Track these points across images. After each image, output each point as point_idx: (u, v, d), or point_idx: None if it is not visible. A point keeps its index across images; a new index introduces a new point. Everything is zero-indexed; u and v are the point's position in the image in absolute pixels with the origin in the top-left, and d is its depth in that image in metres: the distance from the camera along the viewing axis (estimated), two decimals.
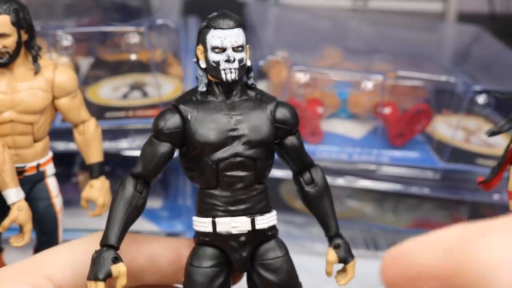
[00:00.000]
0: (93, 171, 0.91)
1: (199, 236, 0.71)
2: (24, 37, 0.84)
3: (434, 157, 1.27)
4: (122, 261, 0.67)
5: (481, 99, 1.29)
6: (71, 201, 1.08)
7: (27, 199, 0.87)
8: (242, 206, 0.70)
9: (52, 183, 0.91)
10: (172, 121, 0.70)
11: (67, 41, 1.27)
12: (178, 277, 0.73)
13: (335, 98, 1.36)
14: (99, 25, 1.43)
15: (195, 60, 0.71)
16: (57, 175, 0.93)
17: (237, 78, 0.70)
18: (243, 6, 1.79)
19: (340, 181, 1.27)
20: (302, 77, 1.30)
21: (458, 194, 1.27)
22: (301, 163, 0.74)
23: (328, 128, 1.32)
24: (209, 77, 0.71)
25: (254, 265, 0.72)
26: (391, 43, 1.65)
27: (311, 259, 0.95)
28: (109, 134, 1.21)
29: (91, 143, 0.90)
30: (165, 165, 0.71)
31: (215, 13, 0.71)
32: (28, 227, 0.86)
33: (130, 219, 0.69)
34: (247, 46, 0.71)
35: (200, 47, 0.70)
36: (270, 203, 0.72)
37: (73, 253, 0.70)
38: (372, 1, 2.17)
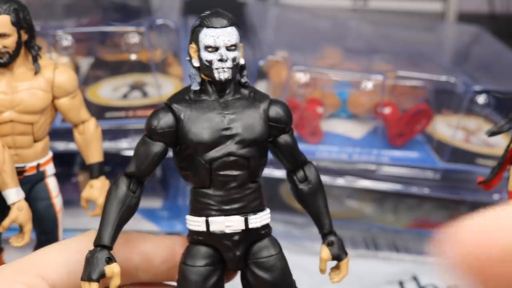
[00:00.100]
0: (93, 171, 0.91)
1: (192, 235, 0.71)
2: (24, 37, 0.84)
3: (434, 157, 1.27)
4: (115, 261, 0.67)
5: (481, 99, 1.29)
6: (71, 201, 1.08)
7: (27, 199, 0.87)
8: (235, 205, 0.70)
9: (52, 183, 0.91)
10: (165, 120, 0.70)
11: (67, 41, 1.27)
12: (172, 274, 0.73)
13: (335, 98, 1.36)
14: (99, 25, 1.43)
15: (188, 58, 0.71)
16: (57, 175, 0.93)
17: (230, 77, 0.69)
18: (243, 6, 1.79)
19: (340, 181, 1.27)
20: (302, 77, 1.30)
21: (458, 194, 1.27)
22: (294, 161, 0.74)
23: (328, 128, 1.32)
24: (202, 75, 0.70)
25: (248, 263, 0.72)
26: (391, 43, 1.65)
27: (311, 259, 0.95)
28: (109, 134, 1.21)
29: (91, 143, 0.90)
30: (159, 164, 0.71)
31: (208, 12, 0.70)
32: (28, 227, 0.86)
33: (124, 218, 0.69)
34: (241, 44, 0.71)
35: (193, 45, 0.70)
36: (263, 202, 0.72)
37: (67, 252, 0.70)
38: (372, 1, 2.17)
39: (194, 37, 0.70)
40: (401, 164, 1.27)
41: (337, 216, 1.29)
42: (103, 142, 0.93)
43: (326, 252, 0.75)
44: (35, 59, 0.85)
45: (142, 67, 1.34)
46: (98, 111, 1.21)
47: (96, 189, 0.91)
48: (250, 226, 0.70)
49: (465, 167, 1.25)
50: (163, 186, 1.34)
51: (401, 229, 1.32)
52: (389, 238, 1.30)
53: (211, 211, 0.70)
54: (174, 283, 0.74)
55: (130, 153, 1.23)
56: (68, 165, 1.29)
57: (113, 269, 0.66)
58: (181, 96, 0.71)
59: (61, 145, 1.19)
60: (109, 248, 0.67)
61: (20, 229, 0.87)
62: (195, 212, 0.71)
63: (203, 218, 0.70)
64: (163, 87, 1.29)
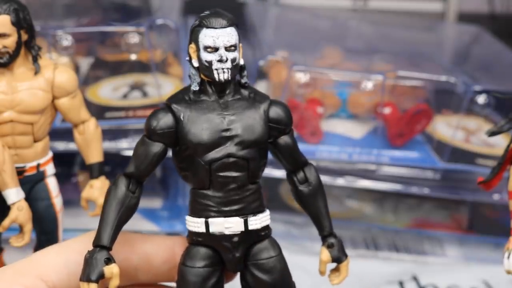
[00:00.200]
0: (93, 171, 0.91)
1: (192, 236, 0.71)
2: (24, 37, 0.84)
3: (434, 157, 1.27)
4: (114, 262, 0.67)
5: (481, 99, 1.29)
6: (71, 201, 1.08)
7: (27, 199, 0.87)
8: (235, 207, 0.70)
9: (52, 183, 0.91)
10: (165, 120, 0.69)
11: (67, 41, 1.27)
12: (172, 275, 0.73)
13: (335, 98, 1.36)
14: (99, 25, 1.43)
15: (187, 58, 0.71)
16: (57, 175, 0.93)
17: (229, 78, 0.69)
18: (243, 6, 1.79)
19: (340, 181, 1.27)
20: (302, 77, 1.30)
21: (458, 194, 1.27)
22: (294, 162, 0.74)
23: (328, 128, 1.32)
24: (202, 76, 0.70)
25: (247, 265, 0.72)
26: (391, 43, 1.65)
27: (310, 259, 0.95)
28: (109, 134, 1.21)
29: (91, 143, 0.90)
30: (158, 165, 0.71)
31: (207, 12, 0.70)
32: (28, 227, 0.86)
33: (123, 219, 0.69)
34: (240, 44, 0.71)
35: (193, 45, 0.70)
36: (263, 203, 0.72)
37: (67, 253, 0.70)
38: (372, 1, 2.17)
39: (193, 37, 0.70)
40: (401, 164, 1.27)
41: (337, 216, 1.29)
42: (103, 142, 0.93)
43: (326, 254, 0.74)
44: (35, 59, 0.85)
45: (142, 67, 1.33)
46: (98, 111, 1.21)
47: (96, 189, 0.91)
48: (250, 227, 0.70)
49: (465, 167, 1.25)
50: (163, 186, 1.34)
51: (401, 229, 1.32)
52: (389, 238, 1.30)
53: (210, 212, 0.70)
54: (174, 284, 0.73)
55: (130, 153, 1.22)
56: (68, 165, 1.29)
57: (112, 270, 0.66)
58: (180, 96, 0.71)
59: (61, 145, 1.19)
60: (108, 248, 0.67)
61: (20, 229, 0.87)
62: (195, 213, 0.71)
63: (203, 219, 0.70)
64: (163, 87, 1.29)
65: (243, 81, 0.72)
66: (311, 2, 2.10)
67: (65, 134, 1.06)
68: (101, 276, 0.66)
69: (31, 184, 0.89)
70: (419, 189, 1.27)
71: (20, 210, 0.85)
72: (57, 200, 0.92)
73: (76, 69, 1.36)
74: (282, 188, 1.35)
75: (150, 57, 1.28)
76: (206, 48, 0.69)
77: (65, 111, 0.88)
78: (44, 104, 0.86)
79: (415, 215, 1.35)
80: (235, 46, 0.69)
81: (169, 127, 0.69)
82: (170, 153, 0.72)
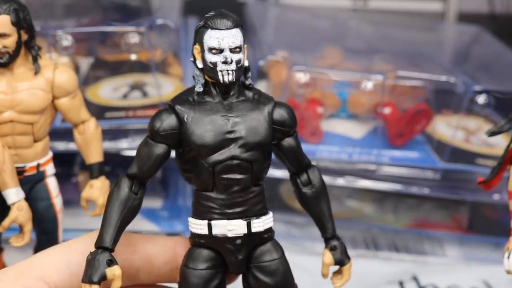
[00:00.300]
0: (93, 171, 0.91)
1: (194, 237, 0.71)
2: (24, 37, 0.84)
3: (434, 157, 1.27)
4: (117, 263, 0.67)
5: (481, 99, 1.29)
6: (71, 201, 1.08)
7: (27, 199, 0.87)
8: (238, 209, 0.70)
9: (52, 183, 0.91)
10: (168, 122, 0.69)
11: (67, 41, 1.27)
12: (174, 276, 0.73)
13: (335, 98, 1.36)
14: (99, 25, 1.43)
15: (192, 59, 0.71)
16: (57, 175, 0.93)
17: (234, 80, 0.69)
18: (243, 6, 1.79)
19: (340, 181, 1.27)
20: (302, 77, 1.30)
21: (458, 194, 1.27)
22: (298, 164, 0.74)
23: (328, 128, 1.32)
24: (206, 77, 0.70)
25: (250, 267, 0.72)
26: (391, 43, 1.65)
27: (311, 259, 0.95)
28: (109, 134, 1.21)
29: (91, 143, 0.90)
30: (161, 166, 0.71)
31: (212, 13, 0.69)
32: (28, 227, 0.86)
33: (125, 220, 0.69)
34: (245, 46, 0.70)
35: (197, 46, 0.69)
36: (266, 205, 0.72)
37: (68, 254, 0.70)
38: (372, 1, 2.17)
39: (198, 38, 0.69)
40: (401, 164, 1.27)
41: (337, 216, 1.28)
42: (103, 142, 0.93)
43: (328, 256, 0.74)
44: (35, 59, 0.85)
45: (142, 67, 1.33)
46: (98, 111, 1.21)
47: (96, 189, 0.91)
48: (253, 230, 0.70)
49: (465, 167, 1.25)
50: (163, 186, 1.34)
51: (401, 229, 1.32)
52: (389, 238, 1.30)
53: (213, 215, 0.69)
54: (175, 285, 0.73)
55: (130, 153, 1.23)
56: (68, 165, 1.29)
57: (114, 272, 0.66)
58: (184, 97, 0.70)
59: (61, 145, 1.19)
60: (111, 250, 0.67)
61: (20, 229, 0.87)
62: (198, 215, 0.71)
63: (205, 221, 0.70)
64: (163, 87, 1.29)
65: (247, 82, 0.71)
66: (311, 2, 2.10)
67: (65, 134, 1.06)
68: (103, 277, 0.66)
69: (31, 184, 0.89)
70: (419, 189, 1.27)
71: (20, 210, 0.85)
72: (57, 200, 0.92)
73: (76, 69, 1.36)
74: (282, 188, 1.35)
75: (150, 57, 1.27)
76: (210, 49, 0.68)
77: (65, 111, 0.88)
78: (44, 104, 0.86)
79: (415, 215, 1.35)
80: (240, 47, 0.69)
81: (173, 129, 0.69)
82: (173, 154, 0.72)
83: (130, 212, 0.69)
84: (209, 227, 0.70)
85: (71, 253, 0.70)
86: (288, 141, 0.72)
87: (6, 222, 0.85)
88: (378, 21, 1.84)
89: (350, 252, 0.77)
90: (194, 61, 0.70)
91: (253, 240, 0.71)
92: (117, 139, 1.23)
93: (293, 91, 1.30)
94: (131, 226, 0.70)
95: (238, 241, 0.70)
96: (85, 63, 1.41)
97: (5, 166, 0.83)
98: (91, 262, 0.66)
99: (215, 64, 0.68)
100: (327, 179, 1.26)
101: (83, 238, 0.72)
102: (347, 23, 1.82)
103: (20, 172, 0.87)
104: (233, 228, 0.69)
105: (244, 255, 0.71)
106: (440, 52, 1.70)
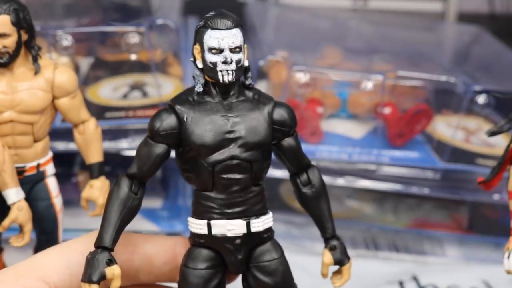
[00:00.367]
0: (93, 171, 0.91)
1: (194, 237, 0.71)
2: (24, 37, 0.84)
3: (434, 157, 1.27)
4: (116, 263, 0.67)
5: (481, 99, 1.29)
6: (71, 201, 1.08)
7: (27, 199, 0.87)
8: (237, 209, 0.70)
9: (52, 183, 0.91)
10: (168, 122, 0.69)
11: (67, 41, 1.27)
12: (174, 276, 0.73)
13: (335, 98, 1.36)
14: (99, 25, 1.43)
15: (192, 59, 0.71)
16: (57, 175, 0.93)
17: (234, 80, 0.69)
18: (243, 6, 1.79)
19: (340, 181, 1.27)
20: (302, 77, 1.30)
21: (458, 194, 1.27)
22: (298, 164, 0.74)
23: (328, 128, 1.32)
24: (206, 77, 0.70)
25: (249, 267, 0.72)
26: (391, 43, 1.65)
27: (310, 259, 0.95)
28: (109, 134, 1.21)
29: (91, 143, 0.90)
30: (161, 166, 0.71)
31: (212, 13, 0.69)
32: (28, 227, 0.86)
33: (125, 220, 0.69)
34: (245, 46, 0.70)
35: (197, 46, 0.69)
36: (266, 205, 0.72)
37: (68, 254, 0.70)
38: (372, 1, 2.17)
39: (198, 38, 0.69)
40: (401, 164, 1.27)
41: (337, 216, 1.28)
42: (103, 142, 0.93)
43: (328, 256, 0.74)
44: (35, 59, 0.85)
45: (142, 67, 1.33)
46: (98, 111, 1.21)
47: (96, 189, 0.91)
48: (253, 230, 0.70)
49: (465, 167, 1.25)
50: (163, 186, 1.34)
51: (401, 229, 1.32)
52: (389, 238, 1.30)
53: (213, 214, 0.70)
54: (175, 285, 0.73)
55: (130, 153, 1.23)
56: (68, 165, 1.29)
57: (113, 271, 0.66)
58: (184, 97, 0.71)
59: (61, 145, 1.19)
60: (110, 249, 0.67)
61: (20, 229, 0.87)
62: (197, 214, 0.71)
63: (205, 221, 0.70)
64: (163, 87, 1.29)
65: (247, 82, 0.71)
66: (311, 2, 2.10)
67: (65, 134, 1.06)
68: (103, 277, 0.66)
69: (31, 184, 0.89)
70: (419, 189, 1.27)
71: (20, 210, 0.85)
72: (57, 200, 0.92)
73: (76, 69, 1.36)
74: (282, 188, 1.35)
75: (150, 57, 1.27)
76: (210, 49, 0.68)
77: (65, 111, 0.88)
78: (44, 104, 0.86)
79: (415, 215, 1.35)
80: (240, 47, 0.69)
81: (173, 128, 0.69)
82: (172, 154, 0.72)
83: (129, 211, 0.69)
84: (209, 226, 0.70)
85: (71, 253, 0.70)
86: (288, 141, 0.72)
87: (6, 222, 0.85)
88: (378, 21, 1.84)
89: (350, 252, 0.77)
90: (194, 61, 0.70)
91: (252, 240, 0.71)
92: (117, 139, 1.23)
93: (293, 91, 1.30)
94: (131, 226, 0.70)
95: (238, 241, 0.70)
96: (85, 63, 1.41)
97: (5, 166, 0.83)
98: (90, 261, 0.66)
99: (215, 64, 0.68)
100: (327, 179, 1.26)
101: (83, 238, 0.72)
102: (347, 23, 1.82)
103: (20, 172, 0.87)
104: (232, 228, 0.69)
105: (243, 255, 0.71)
106: (440, 52, 1.70)
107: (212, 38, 0.68)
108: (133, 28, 1.30)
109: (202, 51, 0.69)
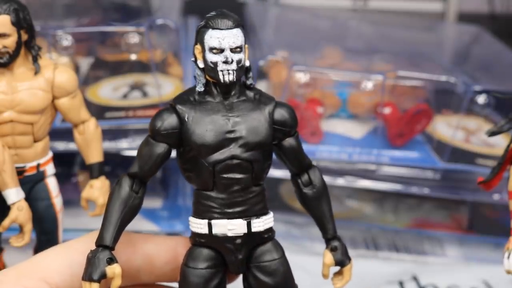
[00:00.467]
0: (93, 171, 0.91)
1: (195, 237, 0.71)
2: (24, 37, 0.84)
3: (434, 157, 1.27)
4: (117, 261, 0.67)
5: (481, 99, 1.29)
6: (71, 201, 1.08)
7: (27, 199, 0.87)
8: (238, 209, 0.70)
9: (52, 183, 0.91)
10: (169, 121, 0.69)
11: (67, 41, 1.27)
12: (175, 276, 0.73)
13: (335, 98, 1.36)
14: (99, 25, 1.43)
15: (193, 59, 0.71)
16: (57, 175, 0.93)
17: (235, 80, 0.69)
18: (243, 6, 1.79)
19: (340, 181, 1.27)
20: (302, 77, 1.30)
21: (458, 194, 1.27)
22: (299, 164, 0.74)
23: (328, 128, 1.32)
24: (207, 77, 0.70)
25: (250, 267, 0.72)
26: (391, 43, 1.65)
27: (310, 259, 0.95)
28: (109, 134, 1.21)
29: (91, 143, 0.90)
30: (162, 165, 0.71)
31: (213, 13, 0.70)
32: (28, 227, 0.86)
33: (126, 219, 0.69)
34: (246, 46, 0.70)
35: (198, 46, 0.70)
36: (267, 205, 0.72)
37: (70, 254, 0.70)
38: (372, 1, 2.17)
39: (199, 38, 0.69)
40: (401, 164, 1.27)
41: (337, 216, 1.28)
42: (103, 142, 0.93)
43: (329, 257, 0.74)
44: (35, 59, 0.85)
45: (142, 67, 1.33)
46: (98, 111, 1.21)
47: (96, 189, 0.91)
48: (253, 230, 0.70)
49: (465, 167, 1.25)
50: (163, 186, 1.34)
51: (401, 229, 1.32)
52: (389, 238, 1.30)
53: (213, 214, 0.70)
54: (176, 284, 0.73)
55: (130, 153, 1.23)
56: (68, 165, 1.29)
57: (114, 270, 0.66)
58: (185, 97, 0.71)
59: (61, 145, 1.19)
60: (111, 248, 0.67)
61: (20, 229, 0.87)
62: (198, 214, 0.71)
63: (206, 221, 0.70)
64: (163, 87, 1.29)
65: (248, 82, 0.71)
66: (311, 2, 2.10)
67: (65, 134, 1.06)
68: (103, 275, 0.66)
69: (31, 184, 0.89)
70: (419, 189, 1.27)
71: (20, 210, 0.85)
72: (57, 200, 0.92)
73: (76, 69, 1.36)
74: (282, 188, 1.35)
75: (150, 57, 1.28)
76: (211, 49, 0.68)
77: (65, 111, 0.88)
78: (44, 104, 0.86)
79: (415, 215, 1.36)
80: (240, 47, 0.69)
81: (173, 128, 0.69)
82: (173, 154, 0.72)
83: (130, 211, 0.69)
84: (209, 226, 0.70)
85: (72, 253, 0.70)
86: (289, 141, 0.73)
87: (6, 222, 0.85)
88: (378, 21, 1.84)
89: (350, 252, 0.77)
90: (195, 61, 0.70)
91: (253, 239, 0.71)
92: (117, 139, 1.23)
93: (293, 91, 1.30)
94: (131, 226, 0.70)
95: (238, 241, 0.70)
96: (85, 63, 1.41)
97: (5, 166, 0.83)
98: (91, 260, 0.66)
99: (215, 64, 0.68)
100: (327, 179, 1.25)
101: (84, 238, 0.72)
102: (347, 23, 1.82)
103: (20, 172, 0.87)
104: (233, 227, 0.70)
105: (244, 255, 0.71)
106: (440, 52, 1.70)
107: (213, 38, 0.68)
108: (133, 28, 1.30)
109: (203, 51, 0.69)
